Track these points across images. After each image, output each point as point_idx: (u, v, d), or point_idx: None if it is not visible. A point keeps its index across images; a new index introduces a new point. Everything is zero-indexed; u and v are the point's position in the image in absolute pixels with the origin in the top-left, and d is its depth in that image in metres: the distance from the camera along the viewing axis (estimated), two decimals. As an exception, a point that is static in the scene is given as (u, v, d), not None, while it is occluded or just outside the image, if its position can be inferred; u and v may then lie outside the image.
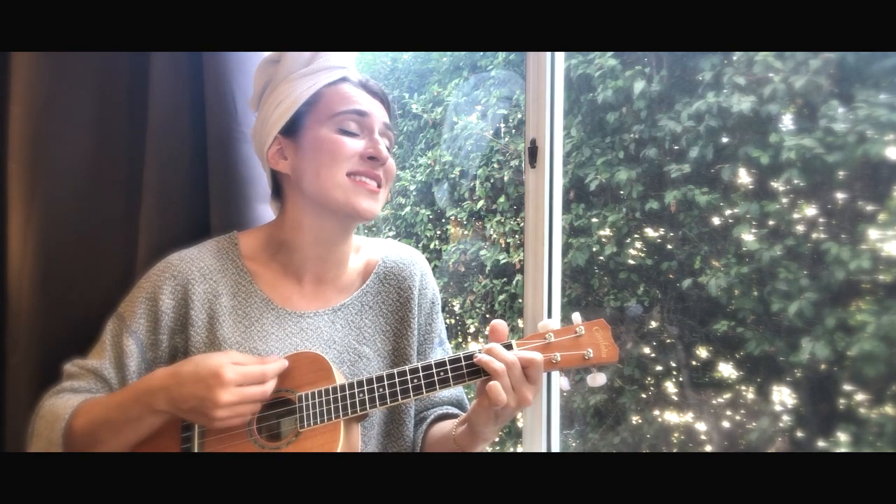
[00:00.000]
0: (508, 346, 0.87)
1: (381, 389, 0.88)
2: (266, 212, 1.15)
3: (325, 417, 0.87)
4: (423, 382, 0.87)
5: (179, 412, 0.85)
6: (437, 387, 0.87)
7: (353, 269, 1.06)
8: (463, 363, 0.87)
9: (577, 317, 0.89)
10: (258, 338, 0.97)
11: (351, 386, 0.88)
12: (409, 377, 0.88)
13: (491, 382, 0.82)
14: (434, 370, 0.88)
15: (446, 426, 1.01)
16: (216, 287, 0.98)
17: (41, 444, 0.89)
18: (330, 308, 1.02)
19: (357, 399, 0.87)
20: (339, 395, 0.88)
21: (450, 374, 0.87)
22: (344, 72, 1.00)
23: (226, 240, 1.03)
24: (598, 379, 0.87)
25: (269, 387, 0.87)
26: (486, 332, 3.46)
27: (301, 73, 0.98)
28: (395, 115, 0.99)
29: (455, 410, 1.08)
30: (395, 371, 0.88)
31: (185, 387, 0.83)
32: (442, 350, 1.10)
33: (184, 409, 0.84)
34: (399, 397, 0.88)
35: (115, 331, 0.97)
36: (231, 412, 0.83)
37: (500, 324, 0.89)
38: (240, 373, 0.84)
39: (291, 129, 0.98)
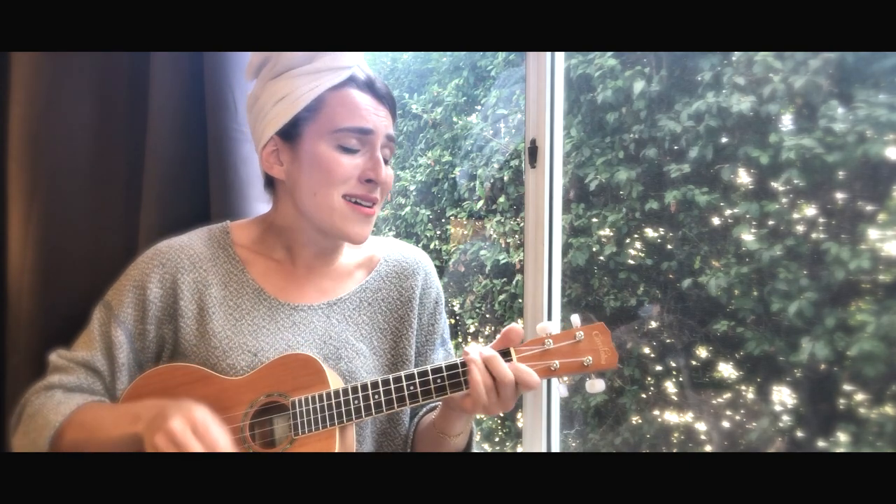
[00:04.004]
0: (507, 354, 0.86)
1: (376, 396, 0.86)
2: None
3: (321, 425, 0.86)
4: (419, 390, 0.86)
5: (143, 422, 0.81)
6: (434, 395, 0.86)
7: (353, 262, 1.05)
8: (460, 370, 0.86)
9: (575, 319, 0.88)
10: (248, 331, 0.94)
11: (346, 392, 0.87)
12: (404, 384, 0.86)
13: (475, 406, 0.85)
14: (430, 377, 0.86)
15: (431, 416, 1.01)
16: (206, 276, 0.96)
17: (25, 442, 0.88)
18: (325, 302, 1.00)
19: (352, 406, 0.86)
20: (333, 401, 0.86)
21: (447, 382, 0.86)
22: (349, 72, 0.94)
23: (218, 228, 1.02)
24: (596, 385, 0.86)
25: (213, 446, 0.78)
26: (488, 333, 3.46)
27: (303, 71, 0.93)
28: (397, 114, 0.98)
29: None
30: (391, 377, 0.87)
31: (164, 406, 0.81)
32: (444, 350, 1.09)
33: (147, 416, 0.81)
34: (395, 405, 0.86)
35: (103, 320, 0.95)
36: (169, 437, 0.77)
37: (514, 330, 0.88)
38: (204, 423, 0.78)
39: (289, 133, 0.94)
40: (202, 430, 0.78)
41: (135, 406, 0.87)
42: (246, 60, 1.15)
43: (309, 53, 0.94)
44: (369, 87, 0.95)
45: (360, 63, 0.96)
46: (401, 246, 1.09)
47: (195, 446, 0.76)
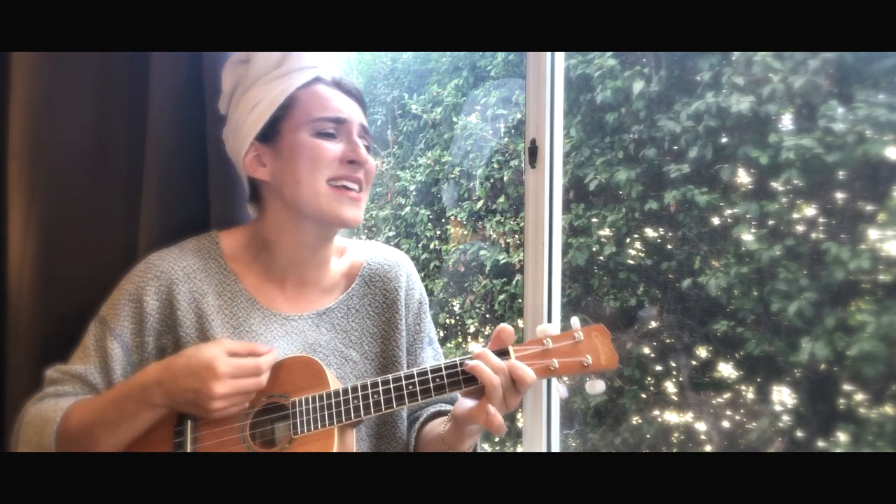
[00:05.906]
0: (506, 353, 0.87)
1: (375, 396, 0.87)
2: (266, 212, 1.15)
3: (320, 424, 0.86)
4: (418, 389, 0.86)
5: (177, 405, 0.85)
6: (433, 394, 0.86)
7: (337, 271, 1.05)
8: (459, 369, 0.86)
9: (575, 322, 0.88)
10: (247, 337, 0.96)
11: (345, 392, 0.87)
12: (404, 383, 0.87)
13: (490, 408, 0.83)
14: (430, 376, 0.86)
15: (437, 426, 1.01)
16: (201, 286, 0.97)
17: (29, 449, 0.88)
18: (314, 312, 1.01)
19: (351, 405, 0.86)
20: (332, 400, 0.87)
21: (446, 381, 0.86)
22: (316, 71, 0.98)
23: (206, 239, 1.02)
24: (596, 386, 0.86)
25: (264, 378, 0.86)
26: (488, 333, 3.46)
27: (273, 76, 0.97)
28: (368, 110, 1.01)
29: (448, 407, 1.07)
30: (391, 377, 0.87)
31: (179, 381, 0.83)
32: (432, 349, 1.10)
33: (181, 402, 0.84)
34: (394, 404, 0.86)
35: (99, 335, 0.95)
36: (227, 402, 0.83)
37: (506, 331, 0.88)
38: (233, 365, 0.84)
39: (268, 135, 0.97)
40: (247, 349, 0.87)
41: (135, 383, 0.87)
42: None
43: (276, 59, 0.97)
44: (336, 84, 1.00)
45: (325, 64, 1.00)
46: (380, 249, 1.10)
47: (250, 387, 0.85)
